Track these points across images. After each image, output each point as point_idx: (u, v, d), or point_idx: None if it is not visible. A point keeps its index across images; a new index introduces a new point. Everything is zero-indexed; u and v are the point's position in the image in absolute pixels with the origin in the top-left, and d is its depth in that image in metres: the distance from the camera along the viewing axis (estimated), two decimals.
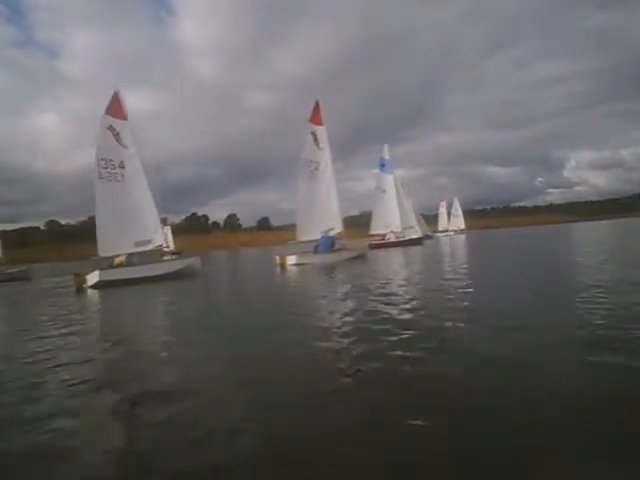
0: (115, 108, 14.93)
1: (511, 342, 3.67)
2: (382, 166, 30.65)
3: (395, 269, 12.78)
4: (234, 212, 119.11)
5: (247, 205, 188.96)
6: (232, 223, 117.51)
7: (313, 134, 19.12)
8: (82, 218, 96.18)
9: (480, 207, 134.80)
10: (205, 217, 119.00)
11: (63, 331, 5.92)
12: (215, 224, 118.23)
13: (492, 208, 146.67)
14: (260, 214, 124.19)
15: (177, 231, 55.74)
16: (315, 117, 19.27)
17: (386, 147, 31.56)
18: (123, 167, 14.92)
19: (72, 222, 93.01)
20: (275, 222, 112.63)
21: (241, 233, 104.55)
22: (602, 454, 1.90)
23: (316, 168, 19.06)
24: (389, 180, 30.31)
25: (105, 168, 14.56)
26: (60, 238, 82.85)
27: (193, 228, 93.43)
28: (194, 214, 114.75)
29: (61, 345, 5.03)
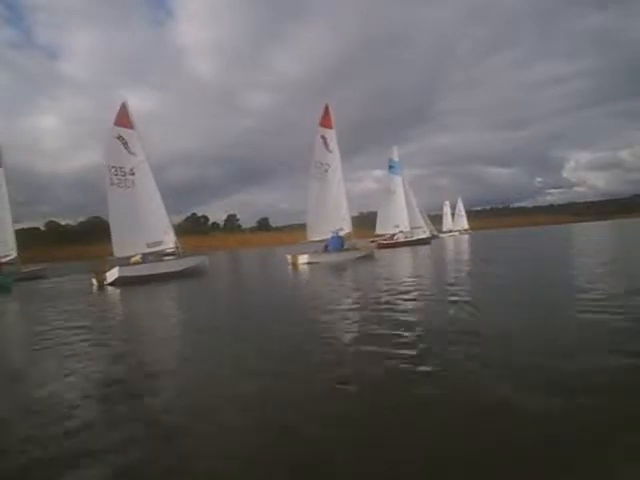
0: (123, 118, 15.57)
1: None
2: (391, 167, 31.01)
3: (404, 268, 13.07)
4: (234, 212, 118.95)
5: (247, 205, 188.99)
6: (232, 223, 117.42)
7: (323, 137, 19.42)
8: (82, 219, 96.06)
9: (480, 207, 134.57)
10: (205, 217, 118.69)
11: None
12: (215, 224, 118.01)
13: (491, 208, 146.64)
14: (260, 214, 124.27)
15: (177, 231, 55.64)
16: (325, 120, 19.59)
17: (395, 149, 31.98)
18: (133, 174, 15.43)
19: (72, 223, 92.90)
20: (275, 222, 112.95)
21: (241, 233, 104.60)
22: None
23: (326, 170, 19.41)
24: (398, 181, 30.75)
25: (116, 175, 15.07)
26: (60, 238, 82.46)
27: (193, 228, 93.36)
28: (194, 214, 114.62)
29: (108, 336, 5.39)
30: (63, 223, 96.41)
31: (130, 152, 15.40)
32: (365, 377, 3.08)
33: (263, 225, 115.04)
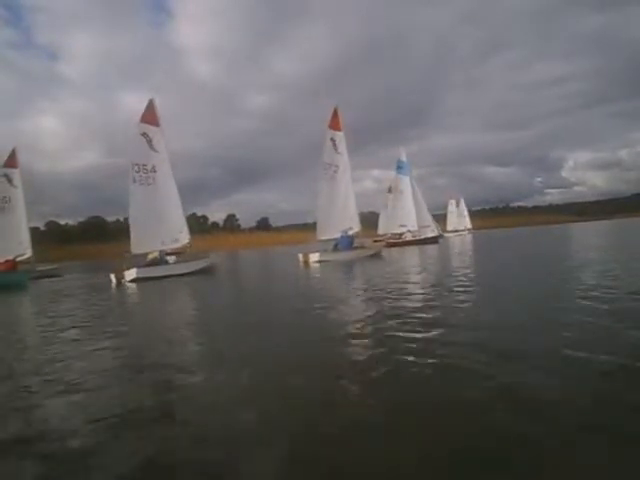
0: (149, 115, 15.95)
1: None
2: (399, 168, 31.69)
3: (411, 266, 13.49)
4: (233, 212, 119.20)
5: (246, 205, 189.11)
6: (231, 223, 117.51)
7: (332, 139, 20.00)
8: (81, 219, 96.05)
9: (479, 207, 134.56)
10: (204, 217, 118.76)
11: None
12: (214, 224, 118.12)
13: (491, 208, 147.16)
14: (259, 214, 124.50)
15: None
16: (334, 123, 20.21)
17: (403, 150, 32.76)
18: (155, 171, 15.83)
19: (71, 223, 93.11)
20: (274, 222, 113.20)
21: (241, 233, 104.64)
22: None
23: (335, 171, 19.95)
24: (406, 182, 31.42)
25: (138, 172, 15.46)
26: (60, 238, 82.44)
27: (193, 228, 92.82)
28: (194, 214, 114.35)
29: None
30: (63, 223, 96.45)
31: (153, 149, 15.81)
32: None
33: (263, 225, 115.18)
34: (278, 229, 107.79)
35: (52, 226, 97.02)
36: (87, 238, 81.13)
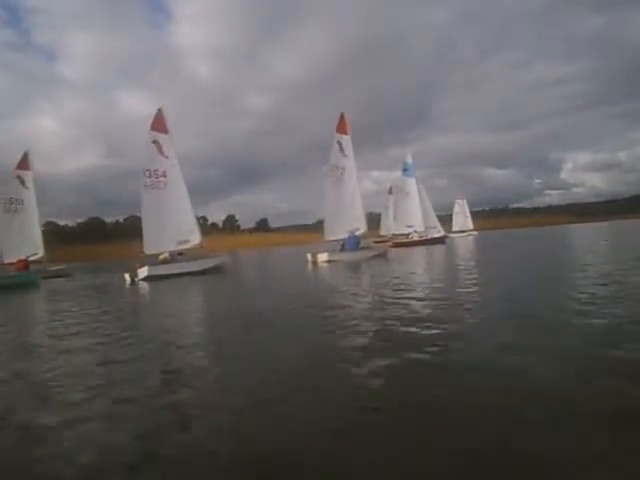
0: (159, 123, 16.64)
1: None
2: (405, 170, 32.09)
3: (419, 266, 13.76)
4: (233, 213, 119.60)
5: (246, 206, 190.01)
6: (231, 224, 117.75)
7: (339, 143, 20.46)
8: (80, 220, 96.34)
9: (479, 208, 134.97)
10: (204, 218, 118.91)
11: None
12: (214, 225, 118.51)
13: (490, 209, 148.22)
14: (259, 215, 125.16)
15: None
16: (341, 127, 20.68)
17: (408, 152, 33.20)
18: (165, 176, 16.41)
19: (70, 224, 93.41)
20: (273, 223, 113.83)
21: (240, 234, 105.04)
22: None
23: (342, 173, 20.39)
24: (412, 183, 31.86)
25: (149, 177, 16.07)
26: (60, 239, 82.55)
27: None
28: None
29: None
30: (62, 224, 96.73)
31: (163, 155, 16.45)
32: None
33: (262, 226, 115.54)
34: (277, 230, 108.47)
35: (51, 227, 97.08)
36: (86, 239, 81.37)
